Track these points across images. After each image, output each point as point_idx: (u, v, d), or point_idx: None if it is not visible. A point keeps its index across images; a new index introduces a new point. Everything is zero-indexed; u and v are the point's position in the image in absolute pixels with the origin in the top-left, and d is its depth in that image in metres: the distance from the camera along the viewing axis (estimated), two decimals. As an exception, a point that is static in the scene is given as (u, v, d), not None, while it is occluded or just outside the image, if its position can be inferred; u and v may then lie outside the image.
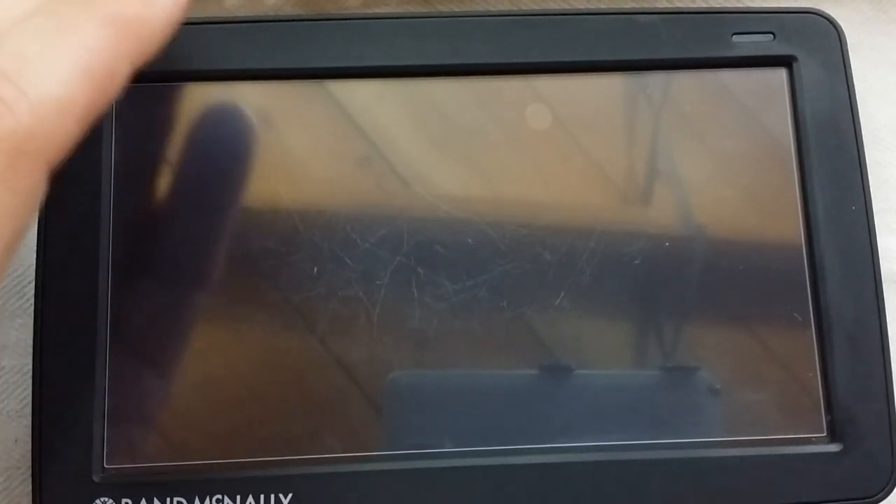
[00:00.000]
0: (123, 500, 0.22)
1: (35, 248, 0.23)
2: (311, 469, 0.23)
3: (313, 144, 0.25)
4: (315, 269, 0.24)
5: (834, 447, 0.23)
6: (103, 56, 0.18)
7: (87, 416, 0.23)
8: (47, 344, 0.23)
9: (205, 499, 0.23)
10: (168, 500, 0.23)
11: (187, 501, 0.23)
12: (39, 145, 0.17)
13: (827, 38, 0.25)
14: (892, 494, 0.23)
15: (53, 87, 0.17)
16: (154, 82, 0.25)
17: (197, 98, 0.25)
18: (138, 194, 0.24)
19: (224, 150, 0.25)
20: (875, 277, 0.24)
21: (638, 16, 0.25)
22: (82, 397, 0.23)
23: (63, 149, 0.17)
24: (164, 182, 0.24)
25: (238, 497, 0.23)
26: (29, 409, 0.23)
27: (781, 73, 0.25)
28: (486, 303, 0.24)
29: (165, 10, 0.19)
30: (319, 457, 0.23)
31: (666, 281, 0.25)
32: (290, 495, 0.23)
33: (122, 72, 0.18)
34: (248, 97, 0.25)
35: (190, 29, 0.25)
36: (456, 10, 0.29)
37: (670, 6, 0.26)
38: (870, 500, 0.23)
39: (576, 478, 0.23)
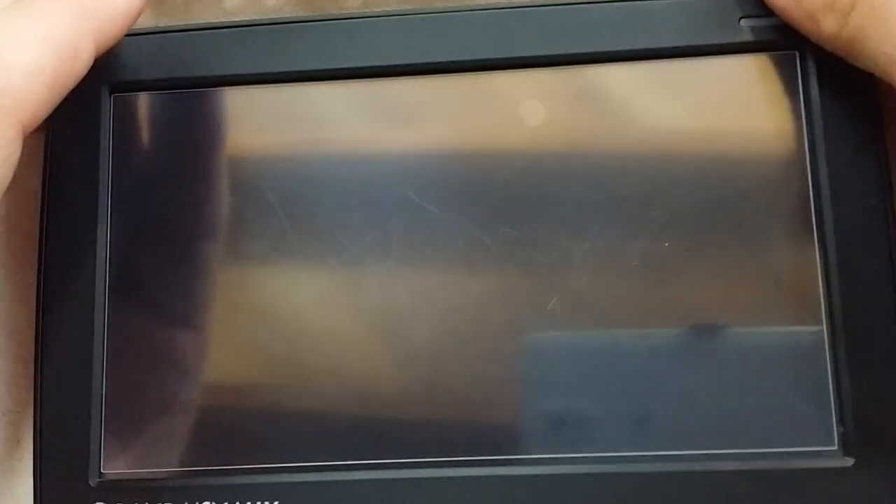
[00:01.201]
0: None
1: (36, 253, 0.24)
2: (306, 477, 0.23)
3: (311, 147, 0.25)
4: (303, 277, 0.24)
5: (846, 461, 0.22)
6: (66, 31, 0.20)
7: (85, 422, 0.23)
8: (47, 349, 0.24)
9: None
10: None
11: None
12: (9, 102, 0.19)
13: None
14: (907, 514, 0.22)
15: (21, 54, 0.20)
16: (155, 90, 0.25)
17: (198, 104, 0.25)
18: (137, 202, 0.24)
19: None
20: (893, 280, 0.22)
21: (641, 3, 0.24)
22: (81, 403, 0.23)
23: (34, 110, 0.20)
24: (163, 190, 0.25)
25: None
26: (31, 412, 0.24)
27: (792, 57, 0.24)
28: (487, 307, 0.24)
29: None
30: (314, 464, 0.23)
31: (668, 283, 0.23)
32: (275, 503, 0.23)
33: (86, 48, 0.21)
34: (247, 102, 0.25)
35: (191, 35, 0.25)
36: (462, 5, 0.28)
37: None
38: (884, 518, 0.22)
39: (563, 489, 0.22)
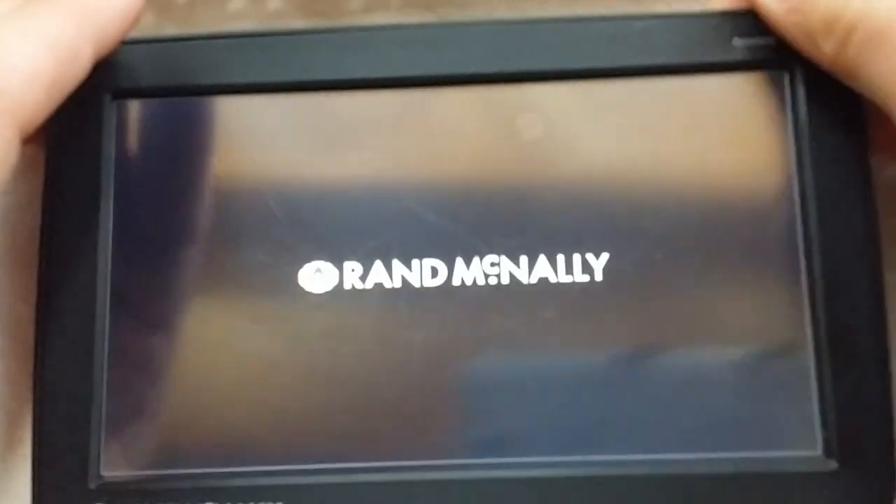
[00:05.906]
0: None
1: (38, 255, 0.24)
2: (307, 479, 0.23)
3: (311, 157, 0.25)
4: (310, 282, 0.24)
5: (830, 465, 0.23)
6: (65, 36, 0.21)
7: (85, 424, 0.23)
8: (47, 350, 0.24)
9: None
10: None
11: None
12: (8, 104, 0.20)
13: None
14: (891, 517, 0.22)
15: (21, 58, 0.20)
16: (158, 97, 0.25)
17: (200, 111, 0.25)
18: (140, 210, 0.25)
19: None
20: (876, 288, 0.23)
21: (636, 21, 0.25)
22: (80, 405, 0.23)
23: (32, 113, 0.20)
24: (166, 197, 0.25)
25: None
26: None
27: (784, 77, 0.24)
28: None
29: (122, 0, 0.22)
30: (316, 467, 0.24)
31: (656, 296, 0.24)
32: None
33: (85, 52, 0.21)
34: (247, 110, 0.25)
35: (195, 44, 0.25)
36: (463, 18, 0.28)
37: (668, 10, 0.26)
38: (868, 523, 0.22)
39: (545, 494, 0.23)
